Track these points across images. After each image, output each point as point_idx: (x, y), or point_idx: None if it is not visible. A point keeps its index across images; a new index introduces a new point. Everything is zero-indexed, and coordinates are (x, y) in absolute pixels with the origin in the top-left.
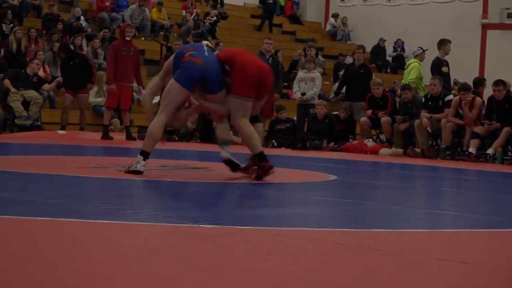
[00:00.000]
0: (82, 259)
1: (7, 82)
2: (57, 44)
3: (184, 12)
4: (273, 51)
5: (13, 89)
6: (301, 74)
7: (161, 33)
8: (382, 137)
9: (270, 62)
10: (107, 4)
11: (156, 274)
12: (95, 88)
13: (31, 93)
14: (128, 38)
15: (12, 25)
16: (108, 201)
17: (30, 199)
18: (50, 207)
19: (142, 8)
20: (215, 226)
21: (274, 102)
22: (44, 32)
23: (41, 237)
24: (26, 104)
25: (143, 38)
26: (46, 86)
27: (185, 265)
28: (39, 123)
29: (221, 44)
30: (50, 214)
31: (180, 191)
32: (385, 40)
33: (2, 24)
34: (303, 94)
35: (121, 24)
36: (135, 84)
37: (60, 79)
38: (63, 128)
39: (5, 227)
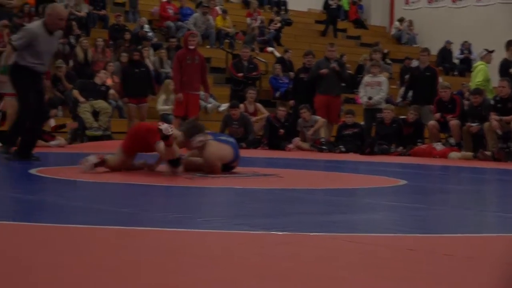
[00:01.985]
0: (154, 268)
1: (75, 92)
2: (124, 54)
3: (248, 19)
4: (338, 56)
5: (82, 99)
6: (367, 78)
7: (226, 40)
8: (451, 140)
9: None
10: (170, 12)
11: (228, 282)
12: (163, 96)
13: (100, 104)
14: (191, 47)
15: (78, 35)
16: (179, 209)
17: (102, 208)
18: (122, 216)
19: (206, 16)
20: (286, 233)
21: (341, 107)
22: (110, 42)
23: (113, 246)
24: (95, 114)
25: (208, 46)
26: (112, 92)
27: (256, 273)
28: (109, 132)
29: (289, 51)
30: (122, 223)
31: (250, 199)
32: (452, 43)
33: (69, 36)
34: (370, 98)
35: (185, 33)
36: (202, 92)
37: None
38: None
39: (79, 236)
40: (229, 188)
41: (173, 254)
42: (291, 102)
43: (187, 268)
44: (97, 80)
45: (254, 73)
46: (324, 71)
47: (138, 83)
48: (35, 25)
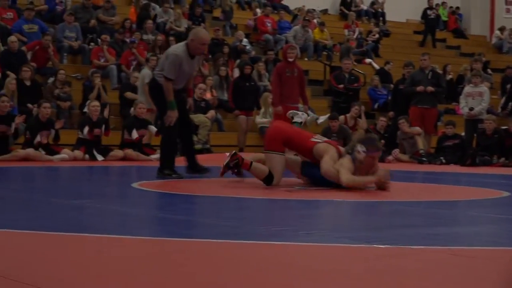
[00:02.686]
0: (256, 281)
1: None
2: (223, 68)
3: (346, 31)
4: (437, 66)
5: None
6: (467, 89)
7: (324, 53)
8: None
9: (429, 77)
10: (268, 26)
11: None
12: (261, 109)
13: (200, 117)
14: (290, 59)
15: None
16: (280, 222)
17: (205, 222)
18: (224, 229)
19: (306, 29)
20: (389, 246)
21: (438, 118)
22: (210, 56)
23: (216, 259)
24: (194, 128)
25: (306, 59)
26: (211, 113)
27: (359, 286)
28: (208, 146)
29: (391, 63)
30: (225, 236)
31: (350, 211)
32: None
33: None
34: (471, 109)
35: (283, 46)
36: (301, 105)
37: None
38: (241, 150)
39: (182, 250)
40: (329, 200)
41: (276, 267)
42: (391, 113)
43: (292, 281)
44: (196, 95)
45: (356, 85)
46: (420, 88)
47: (248, 97)
48: (180, 50)
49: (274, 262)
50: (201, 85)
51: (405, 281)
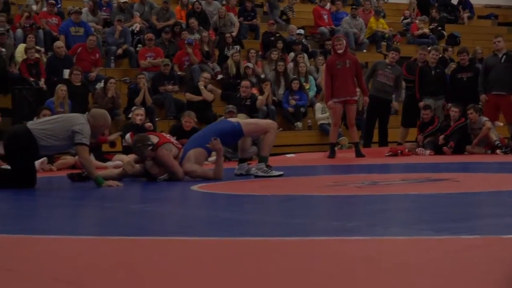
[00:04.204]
0: (343, 277)
1: None
2: (280, 64)
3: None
4: None
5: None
6: None
7: (383, 43)
8: None
9: (503, 61)
10: (325, 18)
11: None
12: (320, 105)
13: (241, 117)
14: (339, 51)
15: (235, 48)
16: (356, 218)
17: (274, 220)
18: (297, 227)
19: (356, 18)
20: (477, 236)
21: None
22: (263, 52)
23: (291, 257)
24: None
25: (365, 51)
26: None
27: (452, 279)
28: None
29: (449, 49)
30: (298, 234)
31: (428, 204)
32: None
33: (224, 48)
34: None
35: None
36: (359, 96)
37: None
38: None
39: (254, 248)
40: (404, 194)
41: (362, 263)
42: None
43: (381, 276)
44: (242, 93)
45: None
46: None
47: None
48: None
49: (359, 258)
50: (245, 83)
51: (496, 270)
